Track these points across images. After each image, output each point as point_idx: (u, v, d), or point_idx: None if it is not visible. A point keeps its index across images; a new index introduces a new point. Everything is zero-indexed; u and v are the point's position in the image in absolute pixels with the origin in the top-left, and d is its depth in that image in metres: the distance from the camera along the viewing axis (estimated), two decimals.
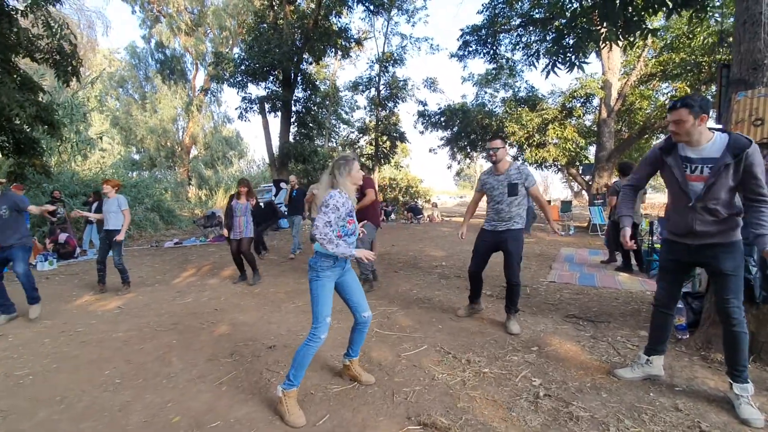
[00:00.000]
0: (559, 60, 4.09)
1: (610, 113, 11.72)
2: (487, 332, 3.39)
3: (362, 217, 5.05)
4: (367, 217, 4.97)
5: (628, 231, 2.45)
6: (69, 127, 12.32)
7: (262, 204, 7.99)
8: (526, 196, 3.39)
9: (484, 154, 3.88)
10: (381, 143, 17.58)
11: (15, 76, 6.49)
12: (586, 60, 4.46)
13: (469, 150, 18.06)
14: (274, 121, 14.58)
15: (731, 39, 3.27)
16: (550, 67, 4.10)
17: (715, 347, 2.75)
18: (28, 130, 7.26)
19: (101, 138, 14.83)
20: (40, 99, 6.93)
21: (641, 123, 12.48)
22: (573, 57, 4.18)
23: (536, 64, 4.48)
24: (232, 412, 2.24)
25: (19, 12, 5.24)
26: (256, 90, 14.75)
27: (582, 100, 13.59)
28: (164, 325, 3.77)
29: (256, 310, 4.19)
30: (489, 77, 16.22)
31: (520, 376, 2.57)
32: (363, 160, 19.22)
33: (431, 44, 18.06)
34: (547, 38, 11.41)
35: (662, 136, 15.82)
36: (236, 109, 13.94)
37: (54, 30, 5.42)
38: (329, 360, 2.88)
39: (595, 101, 13.48)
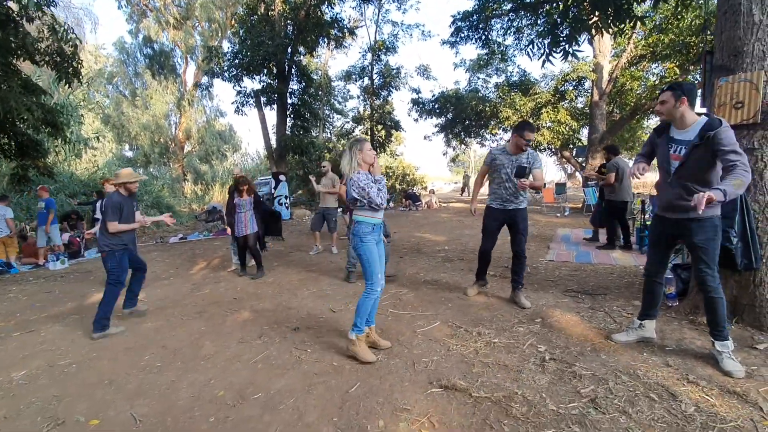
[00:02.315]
0: (554, 50, 4.29)
1: (601, 95, 11.92)
2: (494, 308, 3.66)
3: None
4: None
5: (641, 164, 2.58)
6: (66, 128, 12.30)
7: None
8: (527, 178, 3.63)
9: (523, 142, 3.83)
10: (376, 132, 17.70)
11: (17, 79, 6.56)
12: (579, 48, 4.66)
13: (463, 136, 18.24)
14: (270, 114, 14.64)
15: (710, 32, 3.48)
16: (545, 57, 4.31)
17: (701, 312, 3.03)
18: (31, 132, 7.35)
19: (98, 137, 14.79)
20: (43, 101, 7.00)
21: (632, 104, 12.71)
22: (567, 46, 4.38)
23: (531, 54, 4.67)
24: (270, 384, 2.49)
25: (24, 17, 5.30)
26: (251, 83, 14.77)
27: (574, 84, 13.80)
28: (189, 314, 4.00)
29: (274, 298, 4.42)
30: (481, 62, 16.33)
31: (527, 344, 2.83)
32: None
33: (423, 31, 18.12)
34: (538, 23, 11.58)
35: (653, 117, 16.09)
36: (232, 103, 13.94)
37: (60, 34, 5.49)
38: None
39: (587, 84, 13.68)
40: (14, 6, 5.75)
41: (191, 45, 23.76)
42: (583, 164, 13.22)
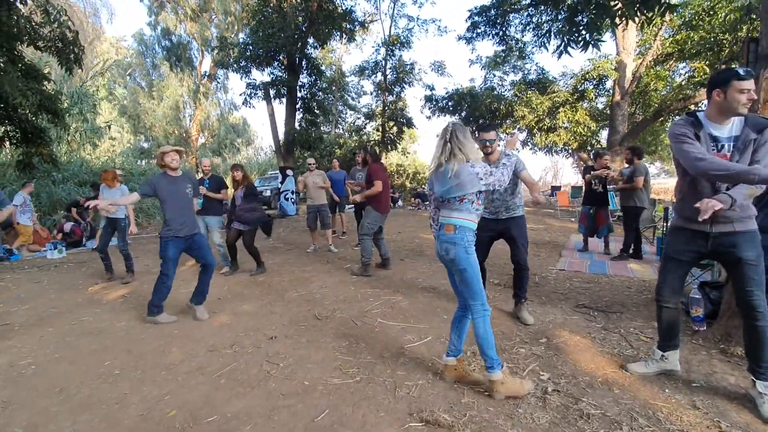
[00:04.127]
0: (573, 39, 3.86)
1: (623, 95, 11.33)
2: (494, 323, 3.25)
3: (370, 204, 4.96)
4: (374, 204, 4.90)
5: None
6: (77, 117, 12.28)
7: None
8: (519, 183, 3.27)
9: (480, 144, 3.58)
10: (388, 129, 17.34)
11: (19, 64, 6.44)
12: (601, 38, 4.21)
13: (477, 135, 17.74)
14: (279, 108, 14.39)
15: (755, 15, 3.03)
16: (563, 47, 3.89)
17: (735, 340, 2.61)
18: (33, 119, 7.26)
19: (109, 127, 14.86)
20: (44, 88, 6.88)
21: (656, 105, 12.06)
22: (587, 35, 3.95)
23: (547, 45, 4.25)
24: (229, 406, 2.19)
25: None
26: (260, 76, 14.61)
27: (594, 82, 13.16)
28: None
29: (259, 299, 4.14)
30: (498, 59, 15.78)
31: (527, 370, 2.47)
32: (369, 146, 19.00)
33: (439, 26, 17.59)
34: (559, 18, 11.05)
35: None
36: (241, 95, 13.79)
37: (53, 17, 5.31)
38: (331, 351, 2.82)
39: (609, 83, 13.05)
40: None
41: (207, 37, 23.79)
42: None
